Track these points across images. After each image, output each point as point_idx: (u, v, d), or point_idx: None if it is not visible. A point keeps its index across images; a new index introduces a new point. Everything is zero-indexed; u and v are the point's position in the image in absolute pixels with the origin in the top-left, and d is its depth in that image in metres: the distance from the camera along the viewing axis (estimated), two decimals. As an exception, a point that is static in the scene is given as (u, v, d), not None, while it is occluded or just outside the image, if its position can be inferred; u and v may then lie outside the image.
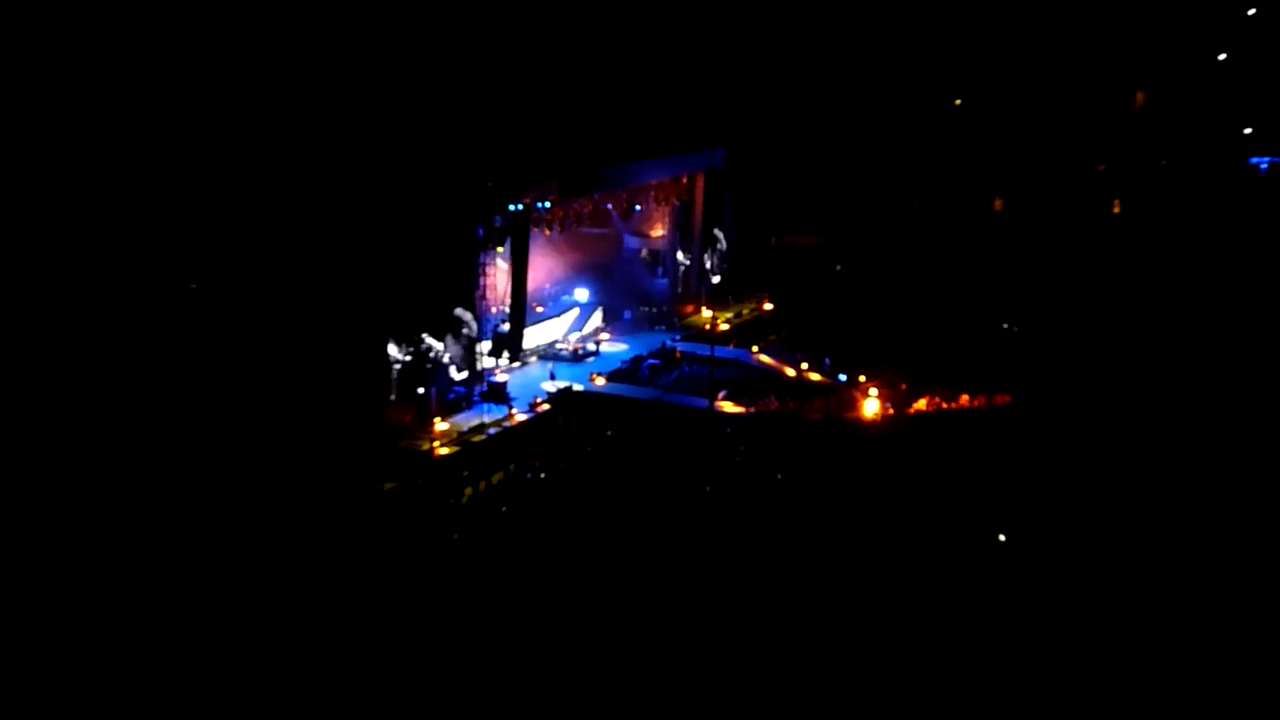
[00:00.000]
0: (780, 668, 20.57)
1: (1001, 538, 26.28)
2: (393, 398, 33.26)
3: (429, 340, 34.79)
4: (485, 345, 38.39)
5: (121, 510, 24.30)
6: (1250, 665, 20.67)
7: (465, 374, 36.77)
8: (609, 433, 33.65)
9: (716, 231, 51.38)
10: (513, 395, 37.07)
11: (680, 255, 50.22)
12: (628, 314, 47.43)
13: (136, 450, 26.42)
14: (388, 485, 28.85)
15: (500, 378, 37.70)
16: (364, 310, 32.01)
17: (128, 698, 18.29)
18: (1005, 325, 43.25)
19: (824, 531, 26.82)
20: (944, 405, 36.50)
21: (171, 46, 30.62)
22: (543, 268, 45.55)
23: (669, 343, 43.80)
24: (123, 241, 29.82)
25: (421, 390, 34.36)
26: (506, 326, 39.28)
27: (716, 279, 51.98)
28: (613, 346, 44.13)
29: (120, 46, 29.94)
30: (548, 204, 39.74)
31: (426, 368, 34.75)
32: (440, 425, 33.33)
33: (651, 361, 41.73)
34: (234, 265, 31.01)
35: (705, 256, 50.87)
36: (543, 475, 30.27)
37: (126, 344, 28.46)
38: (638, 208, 48.04)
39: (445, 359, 35.91)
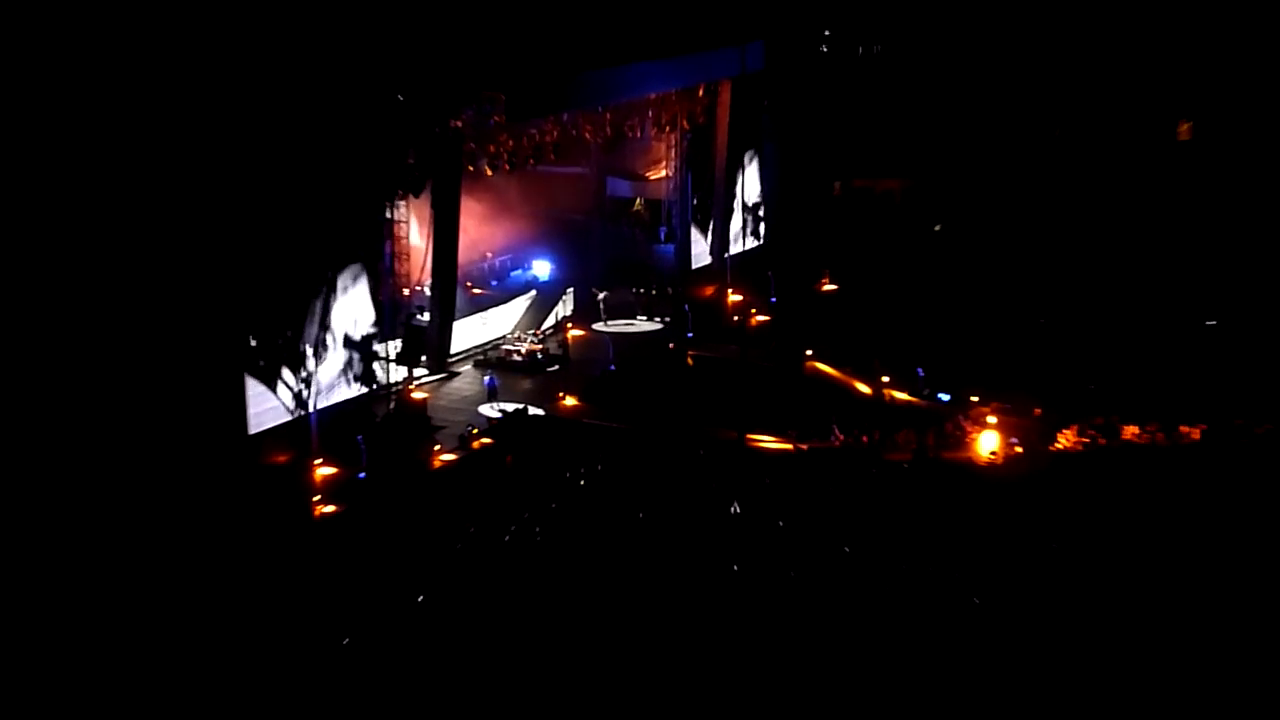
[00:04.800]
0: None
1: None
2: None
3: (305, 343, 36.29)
4: (394, 346, 39.46)
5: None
6: None
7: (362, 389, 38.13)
8: (581, 483, 34.82)
9: (749, 171, 52.29)
10: (439, 422, 38.21)
11: (694, 208, 51.18)
12: (610, 298, 48.61)
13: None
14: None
15: (418, 395, 38.73)
16: (201, 297, 33.27)
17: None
18: (1206, 321, 45.34)
19: (929, 660, 27.21)
20: (1101, 441, 37.75)
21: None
22: (483, 228, 46.71)
23: (677, 344, 45.03)
24: None
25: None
26: (426, 317, 40.59)
27: (749, 244, 52.95)
28: (587, 349, 45.42)
29: None
30: (491, 127, 40.98)
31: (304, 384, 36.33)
32: (323, 469, 34.65)
33: (648, 372, 42.96)
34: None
35: (733, 210, 51.96)
36: (482, 547, 31.16)
37: None
38: (628, 134, 48.87)
39: (333, 367, 37.27)
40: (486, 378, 41.26)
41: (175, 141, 32.71)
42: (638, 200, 53.45)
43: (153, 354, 32.91)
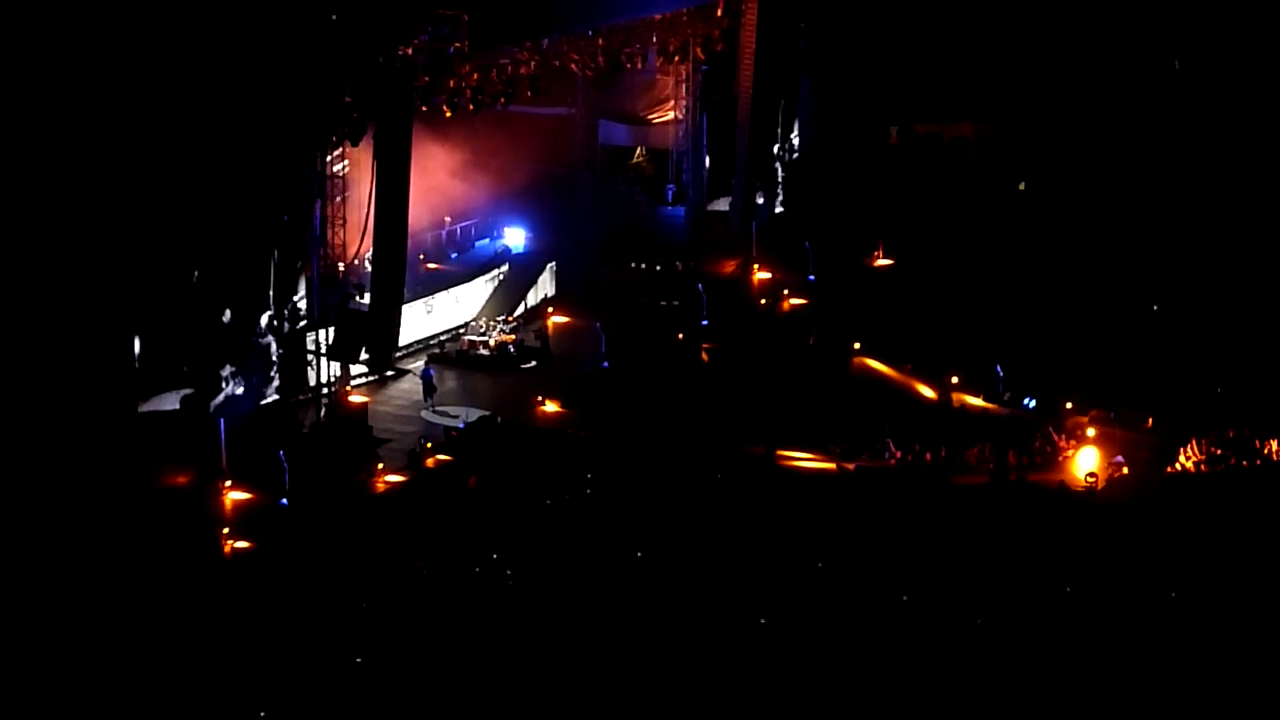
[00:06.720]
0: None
1: None
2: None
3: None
4: (325, 336, 39.90)
5: None
6: None
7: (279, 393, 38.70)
8: (564, 512, 35.21)
9: (781, 113, 52.69)
10: (382, 433, 38.59)
11: (710, 160, 51.67)
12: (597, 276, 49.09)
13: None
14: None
15: (357, 398, 39.24)
16: (70, 266, 33.59)
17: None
18: None
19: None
20: (1234, 461, 38.15)
21: None
22: (441, 186, 46.86)
23: (688, 334, 45.29)
24: None
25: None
26: (367, 299, 40.68)
27: (781, 208, 53.42)
28: (573, 340, 45.67)
29: None
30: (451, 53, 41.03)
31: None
32: (234, 493, 34.88)
33: (651, 370, 43.23)
34: None
35: (760, 164, 52.09)
36: (437, 594, 31.45)
37: None
38: (626, 66, 49.37)
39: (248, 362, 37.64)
40: (424, 367, 41.87)
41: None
42: (638, 150, 53.77)
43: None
